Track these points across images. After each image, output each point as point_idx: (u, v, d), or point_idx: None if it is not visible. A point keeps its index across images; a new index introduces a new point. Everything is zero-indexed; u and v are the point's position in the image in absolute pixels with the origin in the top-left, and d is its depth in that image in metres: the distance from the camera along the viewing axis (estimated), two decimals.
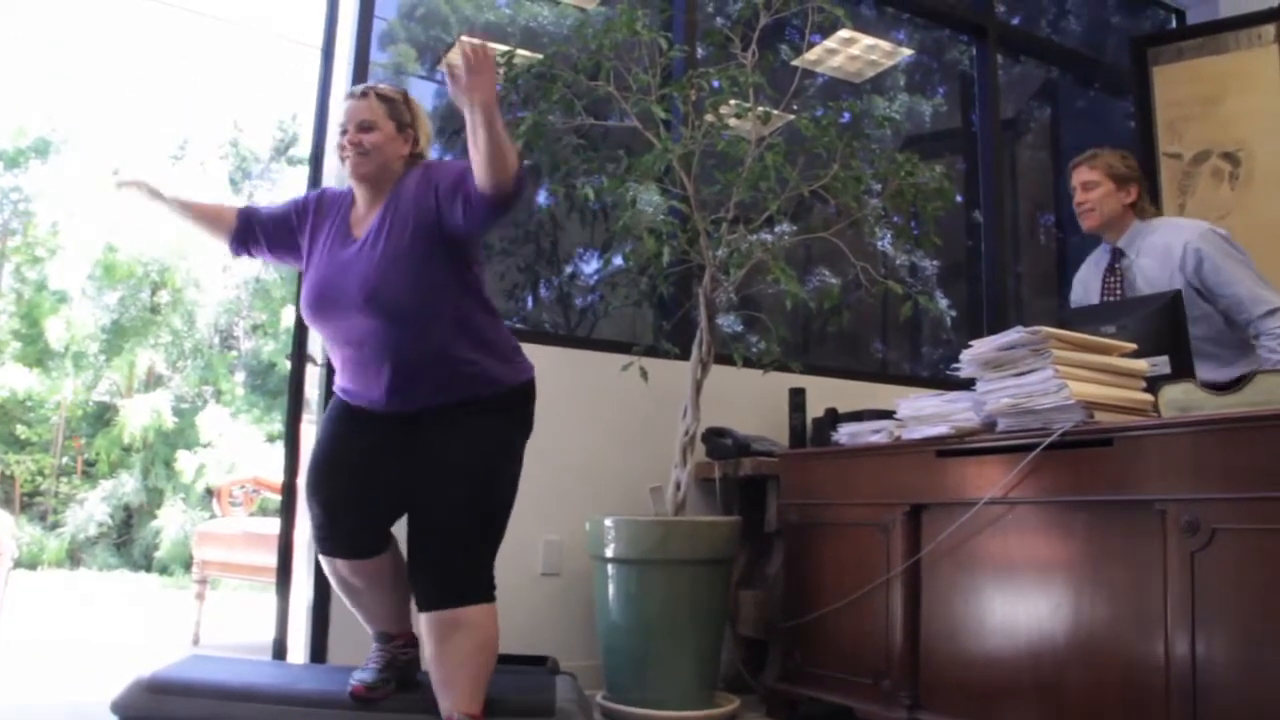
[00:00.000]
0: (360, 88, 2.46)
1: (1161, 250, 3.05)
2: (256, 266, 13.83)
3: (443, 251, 2.32)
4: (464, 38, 2.12)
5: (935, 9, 5.28)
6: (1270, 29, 4.19)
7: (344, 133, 2.41)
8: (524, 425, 2.48)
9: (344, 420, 2.45)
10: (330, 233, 2.43)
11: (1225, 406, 2.15)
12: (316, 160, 3.40)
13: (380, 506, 2.41)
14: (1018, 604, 2.37)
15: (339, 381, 2.45)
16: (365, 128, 2.39)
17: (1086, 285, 3.29)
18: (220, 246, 2.59)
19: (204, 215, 2.57)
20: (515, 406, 2.44)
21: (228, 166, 14.28)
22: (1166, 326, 2.60)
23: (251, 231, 2.53)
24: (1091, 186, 3.16)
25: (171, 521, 11.75)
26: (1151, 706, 2.01)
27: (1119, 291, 3.12)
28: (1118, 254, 3.17)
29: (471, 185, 2.21)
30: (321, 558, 2.46)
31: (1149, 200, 3.23)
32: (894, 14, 5.36)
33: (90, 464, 12.79)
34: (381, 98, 2.43)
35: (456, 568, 2.29)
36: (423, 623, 2.29)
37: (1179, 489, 2.01)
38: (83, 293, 12.55)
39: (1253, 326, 2.91)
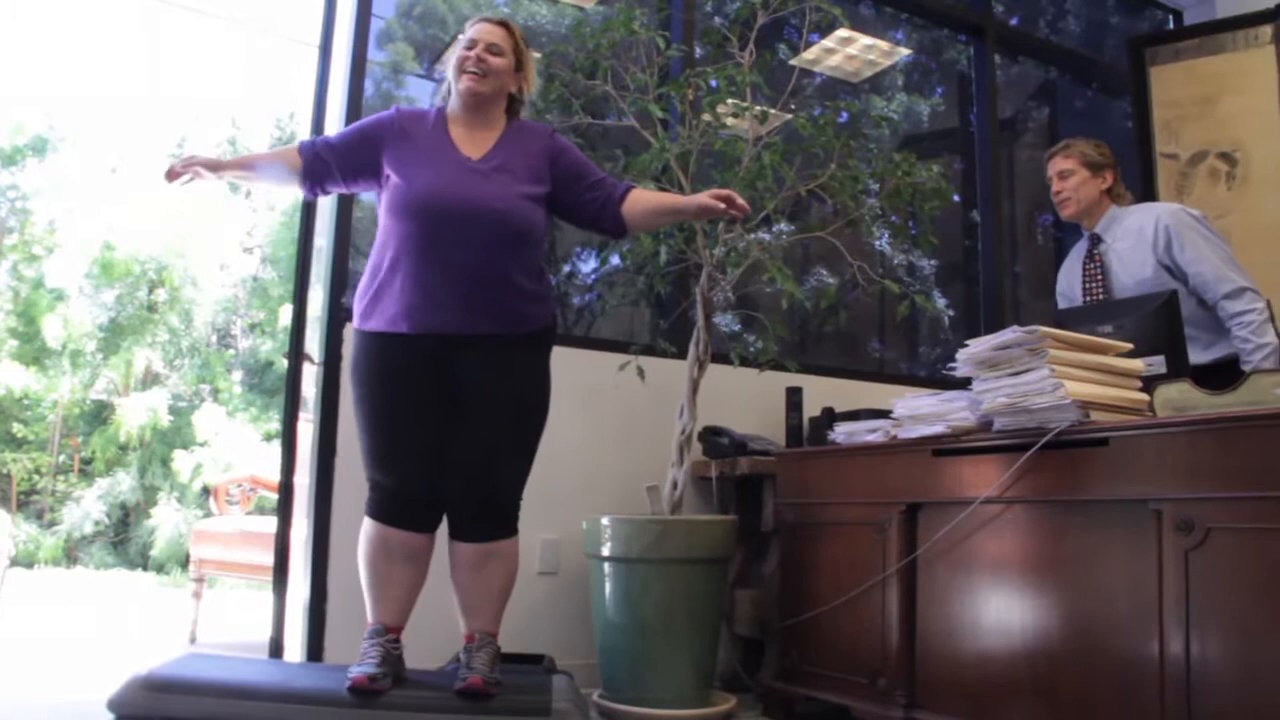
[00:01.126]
0: (499, 14, 2.57)
1: (1135, 233, 3.08)
2: (253, 265, 13.83)
3: (543, 201, 2.56)
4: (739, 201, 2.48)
5: (933, 9, 5.28)
6: (1267, 30, 4.19)
7: (470, 46, 2.52)
8: (550, 354, 2.66)
9: (399, 369, 2.45)
10: (431, 144, 2.53)
11: (1220, 406, 2.15)
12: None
13: (442, 462, 2.48)
14: (1013, 603, 2.37)
15: (398, 304, 2.44)
16: (495, 51, 2.52)
17: (1069, 275, 3.31)
18: (293, 191, 2.62)
19: (270, 167, 2.58)
20: (551, 341, 2.63)
21: None
22: (1163, 326, 2.60)
23: (324, 165, 2.57)
24: (1067, 175, 3.20)
25: (167, 520, 11.76)
26: (1146, 705, 2.01)
27: (1099, 277, 3.15)
28: (1095, 240, 3.20)
29: (611, 200, 2.59)
30: (374, 527, 2.47)
31: (1124, 186, 3.25)
32: (893, 14, 5.36)
33: (87, 462, 12.80)
34: (514, 33, 2.57)
35: (504, 503, 2.54)
36: (458, 553, 2.50)
37: (1174, 488, 2.02)
38: (80, 291, 12.56)
39: (1220, 307, 2.92)
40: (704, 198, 2.49)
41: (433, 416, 2.47)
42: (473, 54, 2.50)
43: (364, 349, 2.51)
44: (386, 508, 2.46)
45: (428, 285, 2.42)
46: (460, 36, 2.59)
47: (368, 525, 2.49)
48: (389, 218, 2.48)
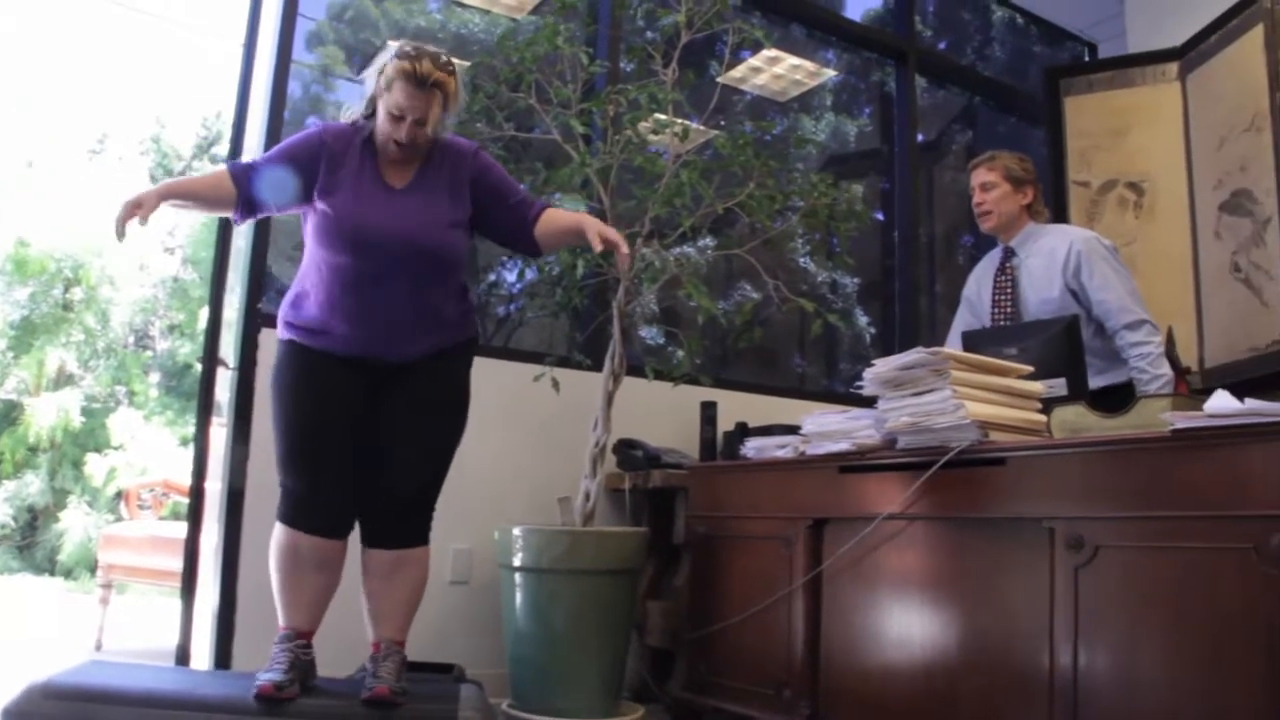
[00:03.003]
0: (429, 75, 2.41)
1: (1048, 253, 3.15)
2: (174, 266, 13.58)
3: (464, 224, 2.58)
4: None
5: (857, 34, 5.38)
6: (1174, 67, 4.34)
7: (399, 115, 2.44)
8: (470, 369, 2.68)
9: (321, 381, 2.46)
10: (356, 170, 2.50)
11: (1112, 429, 2.23)
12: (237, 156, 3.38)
13: (354, 470, 2.49)
14: (914, 617, 2.42)
15: (327, 325, 2.45)
16: (422, 124, 2.46)
17: (980, 283, 3.38)
18: (223, 215, 2.58)
19: (206, 194, 2.51)
20: (472, 353, 2.68)
21: (148, 162, 14.01)
22: (1064, 350, 2.69)
23: (258, 195, 2.51)
24: (990, 188, 3.24)
25: (76, 524, 11.48)
26: (1037, 717, 2.07)
27: (1008, 290, 3.22)
28: (1009, 253, 3.27)
29: (526, 223, 2.61)
30: (285, 532, 2.46)
31: (1043, 203, 3.33)
32: (823, 35, 5.45)
33: None
34: (443, 92, 2.47)
35: (422, 510, 2.57)
36: (371, 559, 2.52)
37: (1066, 507, 2.08)
38: None
39: (1119, 335, 3.01)
40: (593, 233, 2.49)
41: (348, 425, 2.48)
42: (402, 129, 2.44)
43: (285, 356, 2.52)
44: (297, 513, 2.45)
45: (353, 313, 2.45)
46: (388, 76, 2.45)
47: (278, 530, 2.48)
48: (316, 246, 2.48)
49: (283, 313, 2.55)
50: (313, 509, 2.45)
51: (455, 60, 2.55)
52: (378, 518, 2.53)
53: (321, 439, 2.46)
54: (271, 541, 2.48)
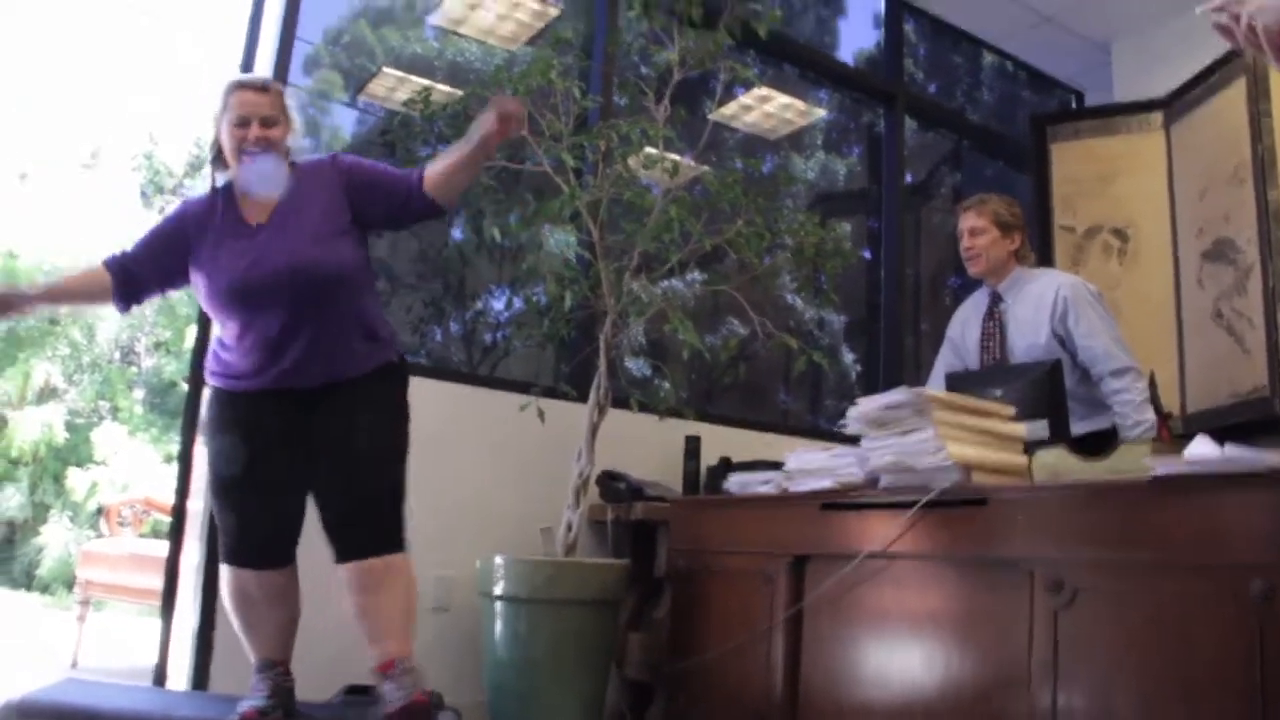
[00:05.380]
0: (258, 79, 2.49)
1: (1035, 299, 3.18)
2: None
3: (347, 233, 2.52)
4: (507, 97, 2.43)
5: (848, 76, 5.45)
6: (1158, 116, 4.41)
7: (244, 124, 2.43)
8: (406, 390, 2.63)
9: (243, 419, 2.48)
10: (221, 229, 2.49)
11: (1092, 473, 2.25)
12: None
13: (292, 503, 2.49)
14: (893, 656, 2.43)
15: (240, 369, 2.47)
16: (269, 123, 2.45)
17: (965, 325, 3.40)
18: (107, 307, 2.58)
19: (81, 290, 2.58)
20: (402, 373, 2.63)
21: (140, 178, 14.02)
22: (1048, 392, 2.72)
23: (134, 278, 2.52)
24: (979, 233, 3.26)
25: (56, 539, 11.38)
26: None
27: (996, 335, 3.24)
28: (996, 298, 3.29)
29: (413, 188, 2.52)
30: (227, 571, 2.47)
31: (1029, 247, 3.36)
32: (814, 77, 5.50)
33: None
34: (279, 94, 2.50)
35: (386, 515, 2.49)
36: (351, 576, 2.44)
37: (1046, 550, 2.10)
38: None
39: (1103, 383, 3.04)
40: (486, 126, 2.43)
41: (274, 457, 2.47)
42: (250, 133, 2.43)
43: (210, 401, 2.56)
44: (233, 549, 2.46)
45: (257, 351, 2.45)
46: (224, 103, 2.49)
47: (223, 571, 2.49)
48: (206, 309, 2.54)
49: (208, 363, 2.58)
50: (246, 543, 2.46)
51: (441, 87, 2.56)
52: (333, 530, 2.48)
53: (245, 473, 2.45)
54: (220, 584, 2.50)
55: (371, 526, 2.48)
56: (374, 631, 2.45)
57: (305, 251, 2.43)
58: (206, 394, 2.59)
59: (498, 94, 2.79)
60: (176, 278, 2.55)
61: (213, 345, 2.57)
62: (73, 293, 2.59)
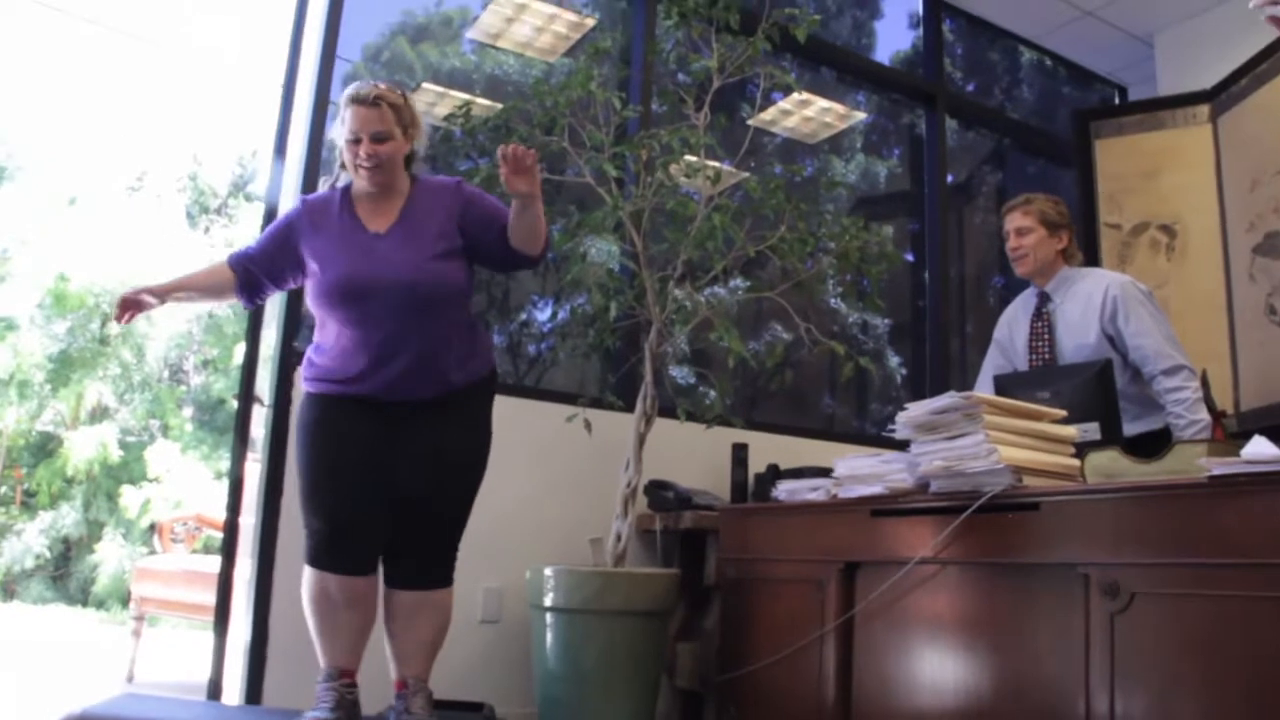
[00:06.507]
0: (371, 92, 2.49)
1: (1084, 298, 3.14)
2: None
3: (458, 256, 2.59)
4: (502, 147, 2.41)
5: (887, 77, 5.41)
6: (1204, 109, 4.34)
7: (356, 141, 2.49)
8: (491, 405, 2.72)
9: (338, 421, 2.53)
10: (340, 229, 2.57)
11: (1146, 475, 2.22)
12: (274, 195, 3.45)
13: (381, 510, 2.53)
14: (947, 662, 2.41)
15: (340, 372, 2.53)
16: (379, 139, 2.49)
17: (1013, 326, 3.36)
18: (231, 303, 2.73)
19: (208, 285, 2.67)
20: (490, 391, 2.71)
21: (185, 200, 14.22)
22: (1098, 394, 2.68)
23: (254, 277, 2.63)
24: (1025, 233, 3.22)
25: (111, 556, 11.56)
26: None
27: (1046, 337, 3.20)
28: (1044, 298, 3.25)
29: (507, 238, 2.56)
30: (311, 573, 2.50)
31: (1076, 245, 3.32)
32: (853, 79, 5.48)
33: (30, 495, 12.57)
34: (393, 106, 2.52)
35: (444, 551, 2.62)
36: (391, 598, 2.57)
37: (1101, 553, 2.07)
38: (31, 321, 12.38)
39: (1155, 382, 2.99)
40: (507, 184, 2.43)
41: (368, 465, 2.52)
42: (361, 150, 2.49)
43: (306, 404, 2.61)
44: (323, 554, 2.49)
45: (360, 358, 2.51)
46: (341, 115, 2.53)
47: (307, 573, 2.51)
48: (315, 306, 2.57)
49: (303, 368, 2.64)
50: (337, 548, 2.48)
51: (481, 100, 2.58)
52: (399, 561, 2.57)
53: (340, 479, 2.50)
54: (302, 585, 2.52)
55: (426, 560, 2.59)
56: (400, 654, 2.58)
57: (427, 267, 2.51)
58: (300, 399, 2.64)
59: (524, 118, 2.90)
60: (291, 274, 2.64)
61: (309, 352, 2.63)
62: (198, 288, 2.68)
